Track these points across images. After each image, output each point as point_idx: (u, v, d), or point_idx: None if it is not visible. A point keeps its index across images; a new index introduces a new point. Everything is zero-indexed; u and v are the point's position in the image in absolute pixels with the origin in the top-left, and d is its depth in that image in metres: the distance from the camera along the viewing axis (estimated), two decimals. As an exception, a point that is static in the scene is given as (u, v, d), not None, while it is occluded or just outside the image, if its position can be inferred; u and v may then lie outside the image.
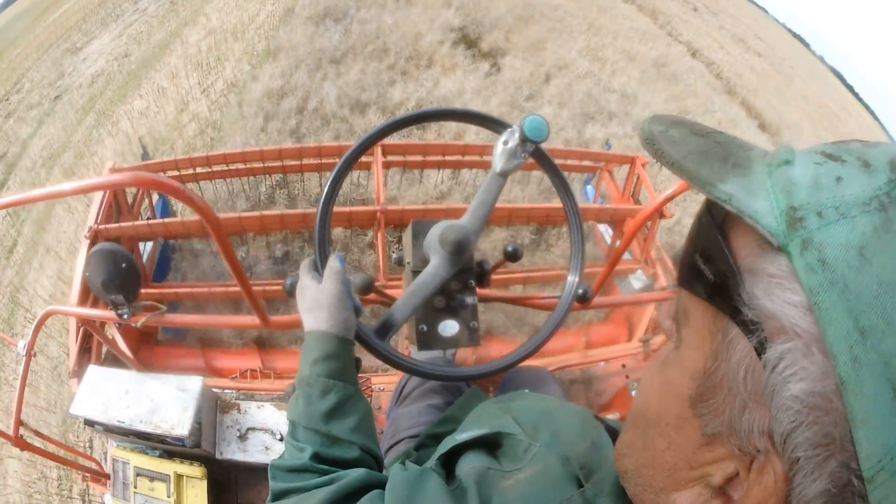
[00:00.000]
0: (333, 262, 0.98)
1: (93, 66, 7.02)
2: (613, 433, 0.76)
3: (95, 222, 2.21)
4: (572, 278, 1.20)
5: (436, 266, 1.09)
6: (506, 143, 1.07)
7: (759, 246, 0.39)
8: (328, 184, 1.06)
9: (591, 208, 2.70)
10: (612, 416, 1.99)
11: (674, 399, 0.48)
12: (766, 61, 14.40)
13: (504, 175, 1.11)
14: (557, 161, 2.68)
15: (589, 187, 3.37)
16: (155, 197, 2.83)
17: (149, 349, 2.44)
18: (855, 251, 0.34)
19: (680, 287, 0.48)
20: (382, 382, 2.00)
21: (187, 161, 2.54)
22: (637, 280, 2.59)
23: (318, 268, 1.02)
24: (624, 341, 2.64)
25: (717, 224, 0.42)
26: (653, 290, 2.54)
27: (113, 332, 2.00)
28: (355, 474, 0.76)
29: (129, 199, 2.51)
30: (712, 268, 0.42)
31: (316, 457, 0.81)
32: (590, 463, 0.68)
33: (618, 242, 2.79)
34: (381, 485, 0.74)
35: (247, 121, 4.70)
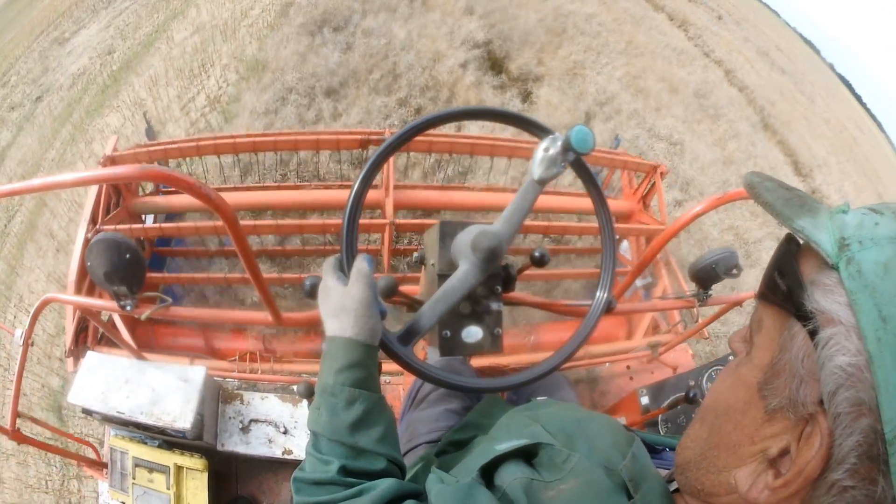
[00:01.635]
0: (361, 264, 0.97)
1: (76, 63, 6.95)
2: (647, 445, 0.89)
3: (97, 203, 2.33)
4: (601, 293, 1.25)
5: (465, 272, 1.10)
6: (546, 149, 1.08)
7: (819, 266, 0.57)
8: (357, 183, 1.08)
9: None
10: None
11: (744, 388, 0.64)
12: (790, 79, 14.63)
13: (542, 183, 1.12)
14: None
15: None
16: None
17: (147, 328, 2.52)
18: (881, 266, 0.52)
19: (759, 299, 0.66)
20: (386, 373, 2.04)
21: (203, 147, 2.60)
22: (640, 279, 2.75)
23: (344, 268, 1.03)
24: (623, 338, 2.79)
25: (792, 253, 0.62)
26: (653, 289, 2.74)
27: (112, 316, 2.06)
28: (385, 485, 0.80)
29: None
30: (786, 281, 0.60)
31: (343, 470, 0.83)
32: (636, 475, 0.75)
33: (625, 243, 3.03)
34: (412, 494, 0.80)
35: (222, 172, 4.24)
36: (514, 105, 6.05)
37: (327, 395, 0.89)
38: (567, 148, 1.04)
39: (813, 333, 0.55)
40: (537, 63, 6.85)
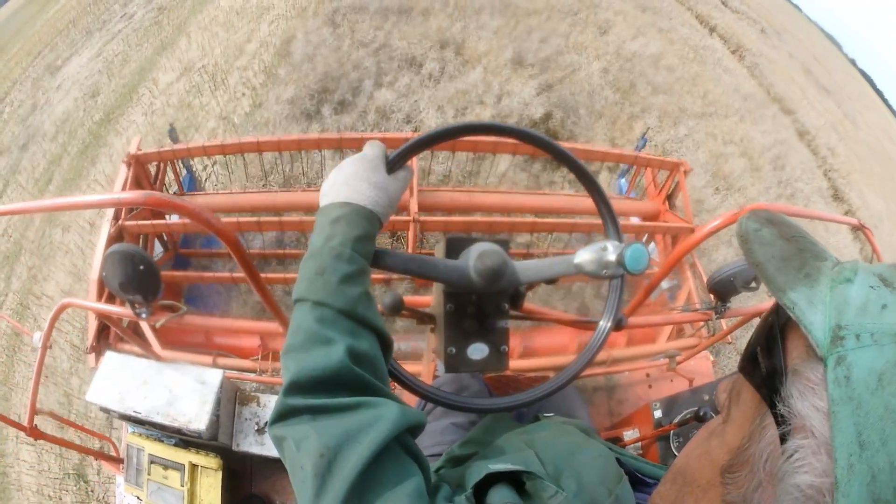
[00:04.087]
0: (408, 173, 1.15)
1: (62, 103, 7.39)
2: (634, 478, 0.98)
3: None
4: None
5: (458, 266, 1.23)
6: (604, 249, 1.16)
7: (807, 352, 0.55)
8: (449, 126, 1.20)
9: (621, 205, 3.29)
10: (630, 432, 2.38)
11: (710, 465, 0.67)
12: (833, 100, 15.03)
13: (578, 271, 1.22)
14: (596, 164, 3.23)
15: (623, 181, 3.98)
16: (183, 171, 3.42)
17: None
18: (875, 376, 0.48)
19: (739, 371, 0.65)
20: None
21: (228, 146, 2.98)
22: (665, 281, 3.04)
23: (387, 162, 1.13)
24: (649, 342, 3.04)
25: (780, 325, 0.60)
26: (678, 292, 3.02)
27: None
28: (389, 413, 0.83)
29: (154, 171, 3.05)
30: (767, 362, 0.59)
31: (348, 352, 0.87)
32: None
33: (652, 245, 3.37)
34: (414, 426, 0.86)
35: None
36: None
37: (342, 262, 0.95)
38: (620, 262, 1.13)
39: (782, 437, 0.55)
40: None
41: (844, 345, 0.50)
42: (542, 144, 1.29)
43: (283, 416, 0.83)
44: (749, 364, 0.62)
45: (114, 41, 8.40)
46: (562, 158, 1.30)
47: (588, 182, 1.32)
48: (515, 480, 0.88)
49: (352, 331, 0.90)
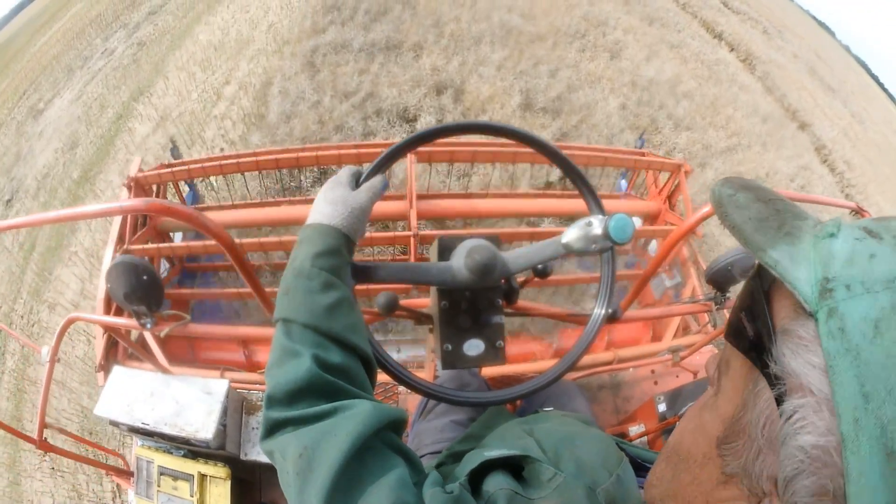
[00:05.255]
0: (377, 180, 1.21)
1: (44, 153, 7.55)
2: (635, 463, 1.01)
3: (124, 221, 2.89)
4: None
5: (449, 267, 1.31)
6: (589, 224, 1.21)
7: (794, 310, 0.56)
8: (424, 130, 1.34)
9: (621, 204, 3.39)
10: (636, 428, 2.47)
11: (704, 439, 0.68)
12: (839, 100, 15.48)
13: (567, 250, 1.27)
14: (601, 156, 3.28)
15: (623, 181, 4.12)
16: (185, 189, 3.58)
17: (182, 342, 3.01)
18: (871, 324, 0.49)
19: (726, 340, 0.66)
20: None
21: (217, 161, 3.12)
22: (668, 280, 3.16)
23: (360, 180, 1.24)
24: (647, 341, 3.15)
25: (763, 288, 0.61)
26: (682, 289, 3.13)
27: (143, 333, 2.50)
28: (362, 409, 0.89)
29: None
30: (753, 326, 0.60)
31: (315, 359, 0.94)
32: (615, 498, 0.85)
33: (653, 243, 3.48)
34: (392, 423, 0.92)
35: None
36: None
37: (302, 279, 1.03)
38: (606, 234, 1.16)
39: (779, 399, 0.55)
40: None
41: (834, 296, 0.51)
42: (507, 133, 1.40)
43: (269, 430, 0.91)
44: (734, 332, 0.64)
45: (94, 81, 8.63)
46: (531, 143, 1.41)
47: (561, 162, 1.43)
48: (513, 467, 0.92)
49: (317, 342, 0.98)
